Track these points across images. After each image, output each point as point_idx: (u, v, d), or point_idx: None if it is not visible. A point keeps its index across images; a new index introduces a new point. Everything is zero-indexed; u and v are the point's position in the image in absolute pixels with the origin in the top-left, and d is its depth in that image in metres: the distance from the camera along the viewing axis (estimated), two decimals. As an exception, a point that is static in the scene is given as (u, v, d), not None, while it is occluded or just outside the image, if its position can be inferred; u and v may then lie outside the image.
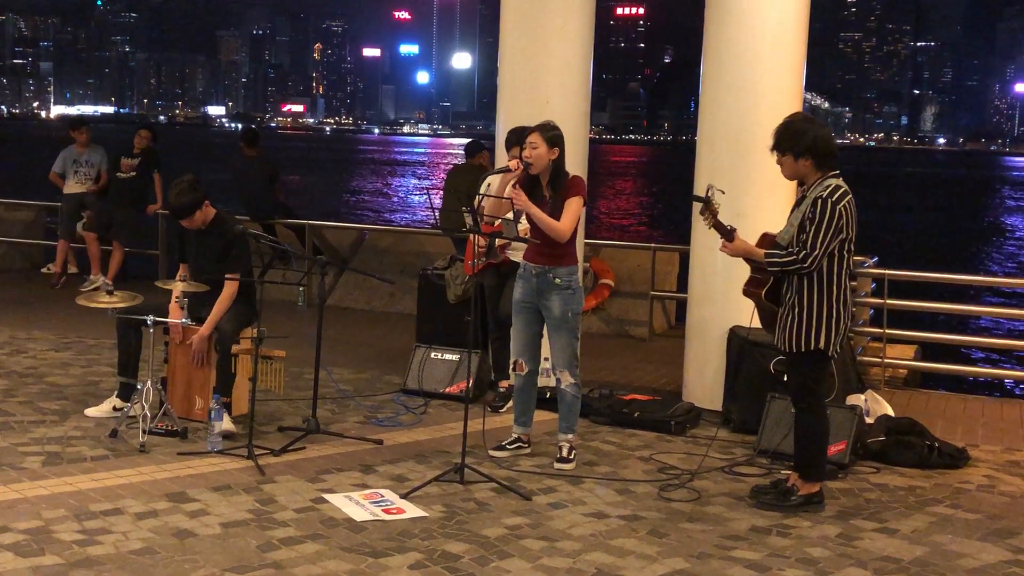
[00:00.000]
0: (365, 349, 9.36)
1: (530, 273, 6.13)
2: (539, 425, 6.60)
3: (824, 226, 5.23)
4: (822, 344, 5.37)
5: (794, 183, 5.96)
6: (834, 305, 5.35)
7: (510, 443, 6.32)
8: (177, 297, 6.59)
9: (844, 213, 5.28)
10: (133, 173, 11.50)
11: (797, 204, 5.49)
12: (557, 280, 6.04)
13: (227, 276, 6.49)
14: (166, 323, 6.55)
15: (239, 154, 12.09)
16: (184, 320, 6.51)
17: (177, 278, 6.68)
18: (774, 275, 5.45)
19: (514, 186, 6.02)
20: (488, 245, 7.01)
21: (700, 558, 4.86)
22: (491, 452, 6.26)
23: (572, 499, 5.59)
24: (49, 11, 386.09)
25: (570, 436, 6.19)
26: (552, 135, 6.00)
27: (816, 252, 5.24)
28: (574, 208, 5.99)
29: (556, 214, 5.97)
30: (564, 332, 6.09)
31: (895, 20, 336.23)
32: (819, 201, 5.27)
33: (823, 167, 5.39)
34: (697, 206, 5.70)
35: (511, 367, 6.34)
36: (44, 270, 12.81)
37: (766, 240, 5.54)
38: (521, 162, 6.05)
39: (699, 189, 5.89)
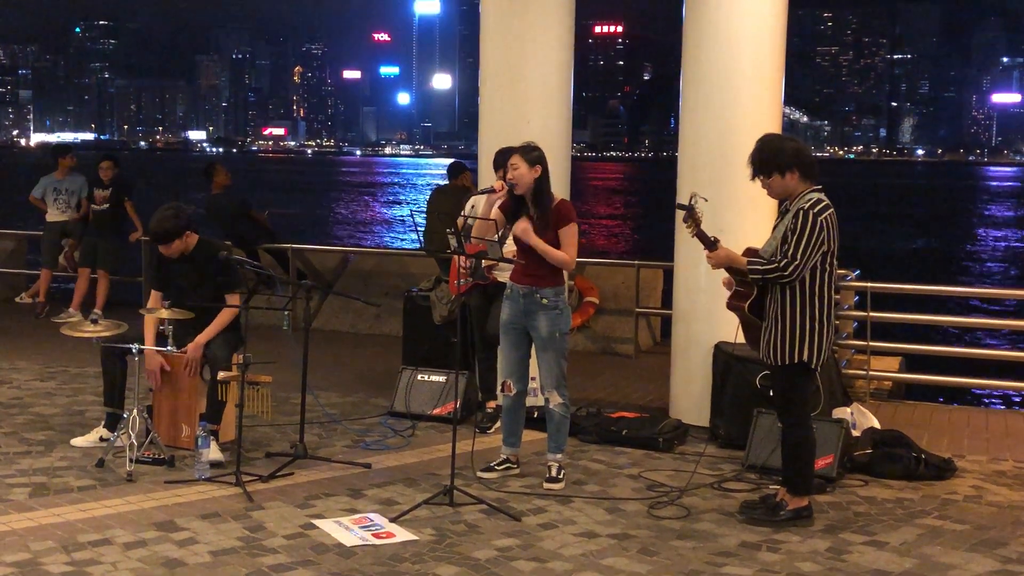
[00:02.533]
0: (351, 372, 9.34)
1: (517, 294, 6.15)
2: (527, 445, 6.59)
3: (806, 238, 5.26)
4: (806, 357, 5.39)
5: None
6: (817, 318, 5.38)
7: (499, 464, 6.32)
8: (162, 326, 6.57)
9: (826, 225, 5.31)
10: (107, 205, 11.49)
11: (780, 218, 5.53)
12: (544, 300, 6.06)
13: (227, 294, 6.59)
14: (151, 350, 6.51)
15: (207, 191, 12.06)
16: (169, 348, 6.50)
17: (155, 305, 6.65)
18: (755, 283, 5.47)
19: (500, 209, 6.06)
20: (473, 266, 7.01)
21: (691, 575, 4.86)
22: (480, 473, 6.25)
23: (562, 519, 5.59)
24: (27, 39, 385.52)
25: (559, 456, 6.20)
26: (533, 155, 6.05)
27: (798, 262, 5.27)
28: (572, 235, 6.05)
29: (543, 232, 6.01)
30: (552, 352, 6.10)
31: (871, 33, 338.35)
32: (801, 213, 5.31)
33: (808, 177, 5.42)
34: (680, 214, 5.74)
35: (499, 388, 6.34)
36: (18, 299, 12.72)
37: (749, 254, 5.56)
38: (505, 183, 6.10)
39: (682, 201, 5.92)
